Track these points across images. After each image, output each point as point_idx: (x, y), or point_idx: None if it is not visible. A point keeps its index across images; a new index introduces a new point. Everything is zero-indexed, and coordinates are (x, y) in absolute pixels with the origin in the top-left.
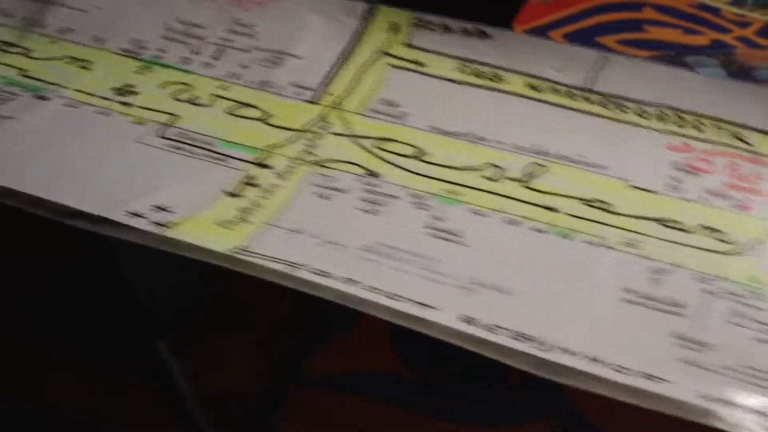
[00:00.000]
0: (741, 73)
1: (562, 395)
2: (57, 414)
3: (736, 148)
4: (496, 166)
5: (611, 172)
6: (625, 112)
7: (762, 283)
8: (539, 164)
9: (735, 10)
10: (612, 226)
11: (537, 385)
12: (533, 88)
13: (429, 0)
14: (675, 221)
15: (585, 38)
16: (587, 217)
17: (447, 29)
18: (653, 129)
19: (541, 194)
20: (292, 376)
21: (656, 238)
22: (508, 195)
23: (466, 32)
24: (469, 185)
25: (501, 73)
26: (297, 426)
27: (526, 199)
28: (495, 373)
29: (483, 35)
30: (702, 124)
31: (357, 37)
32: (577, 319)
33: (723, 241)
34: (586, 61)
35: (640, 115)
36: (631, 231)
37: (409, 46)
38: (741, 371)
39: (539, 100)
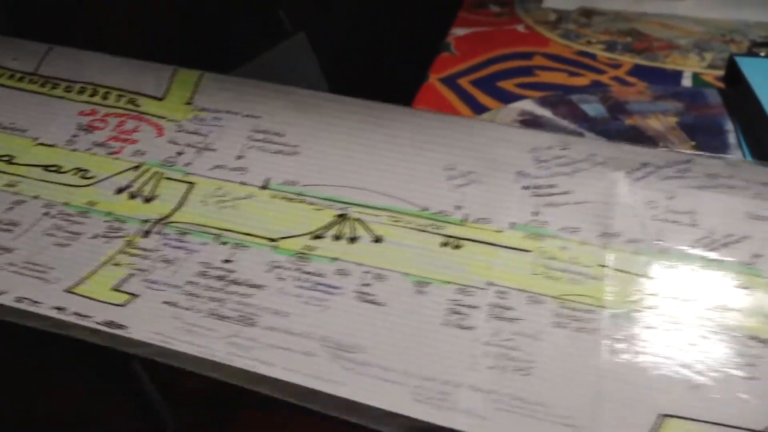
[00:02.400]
0: (617, 106)
1: None
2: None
3: (128, 109)
4: None
5: (29, 133)
6: (56, 88)
7: (94, 203)
8: None
9: (608, 54)
10: (5, 173)
11: None
12: None
13: None
14: (57, 166)
15: (488, 84)
16: None
17: None
18: (73, 100)
19: None
20: None
21: (34, 179)
22: None
23: None
24: None
25: None
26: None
27: None
28: None
29: None
30: (110, 94)
31: None
32: None
33: (86, 177)
34: (37, 51)
35: (66, 90)
36: (18, 175)
37: None
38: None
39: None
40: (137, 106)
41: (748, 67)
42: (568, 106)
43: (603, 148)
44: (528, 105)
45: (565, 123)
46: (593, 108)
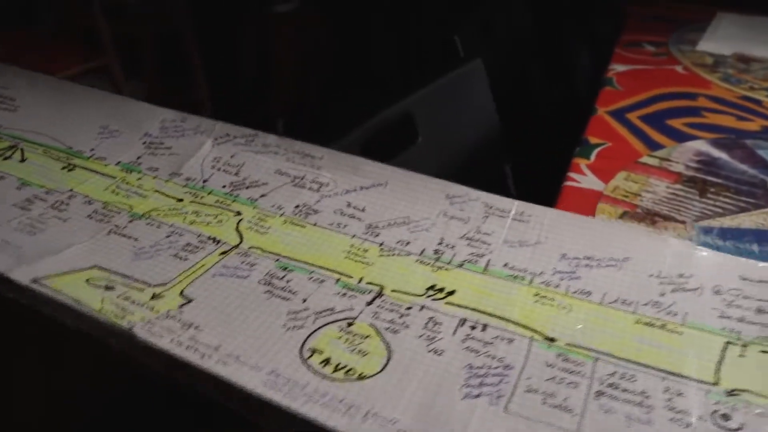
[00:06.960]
0: None
1: None
2: None
3: None
4: None
5: None
6: None
7: None
8: None
9: None
10: None
11: None
12: None
13: None
14: None
15: (657, 121)
16: None
17: None
18: None
19: None
20: None
21: None
22: None
23: None
24: None
25: None
26: None
27: None
28: None
29: None
30: None
31: None
32: None
33: None
34: None
35: None
36: None
37: None
38: None
39: None
40: None
41: None
42: (743, 150)
43: (206, 123)
44: (703, 146)
45: (744, 167)
46: None
